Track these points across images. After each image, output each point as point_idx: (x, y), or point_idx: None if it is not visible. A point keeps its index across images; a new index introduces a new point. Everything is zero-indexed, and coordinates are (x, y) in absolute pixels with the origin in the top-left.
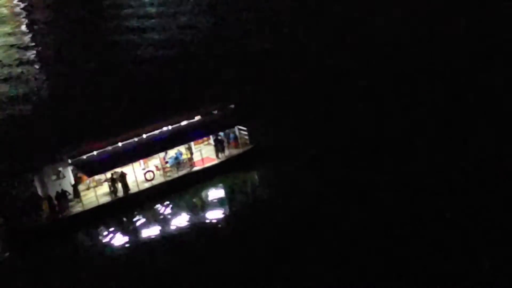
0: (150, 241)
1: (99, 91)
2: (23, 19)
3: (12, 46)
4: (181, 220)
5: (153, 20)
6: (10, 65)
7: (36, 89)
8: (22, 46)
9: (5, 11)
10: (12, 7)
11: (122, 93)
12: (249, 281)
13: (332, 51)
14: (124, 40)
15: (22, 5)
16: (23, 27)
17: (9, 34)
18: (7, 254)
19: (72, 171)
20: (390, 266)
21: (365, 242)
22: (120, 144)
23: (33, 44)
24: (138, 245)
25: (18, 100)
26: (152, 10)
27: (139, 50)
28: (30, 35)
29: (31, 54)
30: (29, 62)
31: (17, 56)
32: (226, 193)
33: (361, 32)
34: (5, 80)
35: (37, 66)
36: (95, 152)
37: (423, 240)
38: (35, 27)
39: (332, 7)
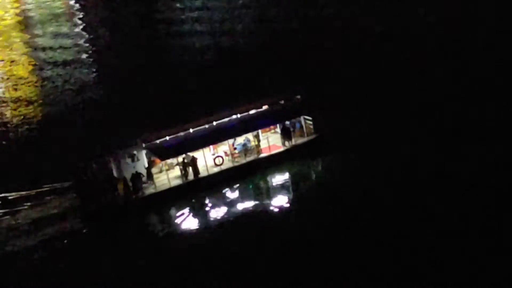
0: (218, 223)
1: (172, 79)
2: (79, 14)
3: (74, 36)
4: (248, 204)
5: (219, 11)
6: (75, 52)
7: (108, 75)
8: (82, 36)
9: (58, 3)
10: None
11: (194, 82)
12: (312, 266)
13: (399, 42)
14: (193, 30)
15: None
16: (78, 21)
17: (63, 26)
18: (84, 231)
19: (146, 154)
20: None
21: (430, 234)
22: (191, 130)
23: (93, 35)
24: (207, 227)
25: (92, 85)
26: (210, 3)
27: (209, 39)
28: (84, 27)
29: (93, 43)
30: (91, 50)
31: (81, 44)
32: (291, 179)
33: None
34: (76, 67)
35: (99, 54)
36: (167, 137)
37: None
38: (89, 20)
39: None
